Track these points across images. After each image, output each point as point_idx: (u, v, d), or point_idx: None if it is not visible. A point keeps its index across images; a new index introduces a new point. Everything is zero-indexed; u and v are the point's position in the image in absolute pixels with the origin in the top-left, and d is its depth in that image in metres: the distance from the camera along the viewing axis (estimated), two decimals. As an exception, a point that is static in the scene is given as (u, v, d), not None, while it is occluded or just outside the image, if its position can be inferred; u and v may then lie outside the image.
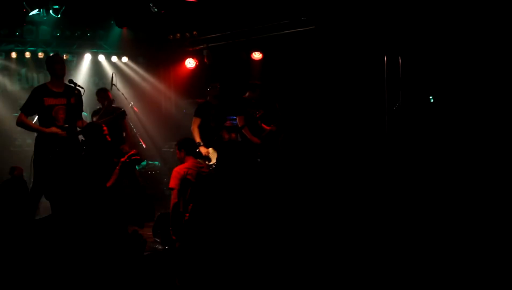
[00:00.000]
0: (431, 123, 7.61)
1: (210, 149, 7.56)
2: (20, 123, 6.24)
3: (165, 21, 9.85)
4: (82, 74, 10.37)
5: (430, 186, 6.91)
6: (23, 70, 10.13)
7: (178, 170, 5.90)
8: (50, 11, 8.90)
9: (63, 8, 8.87)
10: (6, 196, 4.13)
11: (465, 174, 6.81)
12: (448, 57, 7.47)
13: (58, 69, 6.28)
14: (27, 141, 9.04)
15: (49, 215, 5.37)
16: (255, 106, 7.93)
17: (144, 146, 8.75)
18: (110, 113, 7.48)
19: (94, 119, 7.61)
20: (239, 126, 7.81)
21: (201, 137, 7.65)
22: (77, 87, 6.47)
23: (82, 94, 6.41)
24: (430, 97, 7.76)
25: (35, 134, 7.22)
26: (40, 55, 9.87)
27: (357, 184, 7.39)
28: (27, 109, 6.24)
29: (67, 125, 6.24)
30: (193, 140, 6.74)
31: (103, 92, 7.85)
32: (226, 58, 10.35)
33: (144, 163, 9.13)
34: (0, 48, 9.59)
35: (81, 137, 6.36)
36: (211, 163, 7.50)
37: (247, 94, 8.11)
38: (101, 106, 7.82)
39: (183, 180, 5.80)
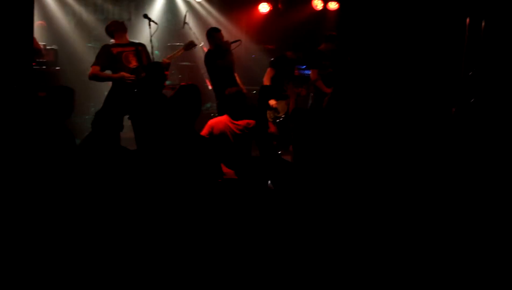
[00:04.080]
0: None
1: (280, 102, 7.49)
2: (93, 75, 6.47)
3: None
4: (155, 10, 10.37)
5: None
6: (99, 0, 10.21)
7: (209, 125, 5.84)
8: None
9: None
10: None
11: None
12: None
13: (123, 36, 6.66)
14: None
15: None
16: (330, 59, 7.73)
17: (210, 87, 8.74)
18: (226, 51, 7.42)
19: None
20: (312, 79, 7.67)
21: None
22: (151, 22, 6.73)
23: (155, 30, 6.81)
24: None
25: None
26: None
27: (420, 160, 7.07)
28: (98, 61, 6.46)
29: (136, 66, 6.45)
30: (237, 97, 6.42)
31: (215, 32, 7.55)
32: (301, 6, 10.12)
33: (208, 105, 9.16)
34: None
35: None
36: (279, 115, 7.48)
37: (323, 45, 7.93)
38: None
39: (211, 134, 5.74)
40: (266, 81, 7.53)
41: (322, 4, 9.73)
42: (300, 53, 7.75)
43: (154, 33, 6.90)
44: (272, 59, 7.89)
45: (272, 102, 7.39)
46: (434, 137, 7.18)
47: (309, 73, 7.93)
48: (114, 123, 4.64)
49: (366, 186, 5.38)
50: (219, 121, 5.86)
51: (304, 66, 8.66)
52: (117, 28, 6.68)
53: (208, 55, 7.46)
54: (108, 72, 6.52)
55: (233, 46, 7.59)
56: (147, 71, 6.17)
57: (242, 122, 5.88)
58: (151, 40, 6.77)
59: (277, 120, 7.45)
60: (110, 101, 6.42)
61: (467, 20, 7.72)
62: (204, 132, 5.76)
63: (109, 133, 4.57)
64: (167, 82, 7.25)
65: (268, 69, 7.62)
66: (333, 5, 9.74)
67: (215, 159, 5.07)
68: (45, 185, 4.17)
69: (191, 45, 7.30)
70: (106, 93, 6.77)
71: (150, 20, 6.95)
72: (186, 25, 9.25)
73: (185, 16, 9.31)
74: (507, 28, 7.35)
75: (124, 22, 6.94)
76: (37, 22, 8.41)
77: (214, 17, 10.73)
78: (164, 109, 5.63)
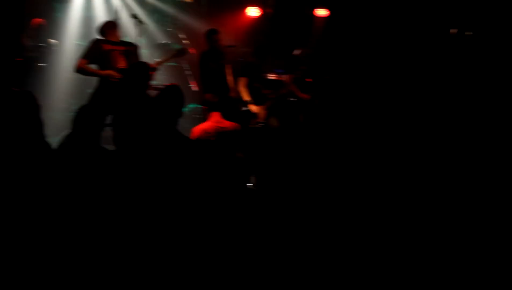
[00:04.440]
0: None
1: (259, 108, 7.52)
2: (80, 69, 6.40)
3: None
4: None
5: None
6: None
7: (195, 132, 5.82)
8: None
9: None
10: None
11: None
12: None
13: (115, 34, 6.65)
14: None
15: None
16: (305, 63, 7.77)
17: (195, 88, 8.71)
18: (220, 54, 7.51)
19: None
20: (288, 83, 7.72)
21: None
22: (139, 21, 6.71)
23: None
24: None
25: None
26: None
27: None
28: (86, 55, 6.41)
29: (123, 67, 6.43)
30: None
31: (214, 34, 7.65)
32: (290, 11, 10.14)
33: (192, 106, 9.15)
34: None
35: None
36: (258, 120, 7.50)
37: (298, 50, 8.01)
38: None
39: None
40: (241, 90, 7.56)
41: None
42: (267, 56, 7.80)
43: (141, 32, 6.90)
44: (240, 67, 7.92)
45: (254, 108, 7.43)
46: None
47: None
48: (96, 121, 4.61)
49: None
50: (206, 125, 5.90)
51: (282, 71, 8.73)
52: (109, 27, 6.68)
53: (202, 56, 7.46)
54: (93, 67, 6.46)
55: (228, 50, 7.63)
56: (132, 71, 6.17)
57: (228, 124, 5.96)
58: (132, 42, 6.76)
59: (257, 126, 7.51)
60: (95, 98, 6.39)
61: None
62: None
63: (90, 132, 4.54)
64: (153, 82, 7.22)
65: (240, 78, 7.63)
66: (321, 12, 9.78)
67: (200, 160, 5.07)
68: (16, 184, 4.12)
69: (182, 52, 7.27)
70: (89, 91, 6.75)
71: (138, 20, 6.93)
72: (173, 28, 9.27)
73: (172, 18, 9.31)
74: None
75: (115, 21, 6.91)
76: (37, 20, 8.34)
77: (202, 19, 10.68)
78: (146, 110, 5.63)
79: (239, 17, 10.63)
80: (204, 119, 6.17)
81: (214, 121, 5.96)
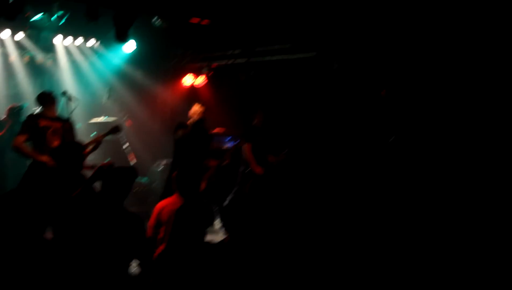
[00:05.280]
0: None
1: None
2: (16, 147, 6.21)
3: (167, 36, 9.68)
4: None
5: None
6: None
7: (156, 207, 5.35)
8: (54, 17, 8.74)
9: (67, 15, 8.73)
10: None
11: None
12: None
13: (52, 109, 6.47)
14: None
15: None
16: (263, 133, 7.61)
17: (134, 161, 8.59)
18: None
19: None
20: (247, 154, 7.50)
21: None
22: (71, 97, 6.60)
23: (75, 107, 6.73)
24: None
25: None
26: (40, 60, 9.84)
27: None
28: (23, 131, 6.23)
29: (57, 146, 6.23)
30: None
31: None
32: (226, 78, 10.26)
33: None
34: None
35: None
36: None
37: (256, 120, 7.76)
38: None
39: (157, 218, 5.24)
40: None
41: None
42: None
43: (73, 109, 6.78)
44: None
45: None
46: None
47: (232, 145, 7.97)
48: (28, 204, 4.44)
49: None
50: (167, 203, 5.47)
51: (228, 138, 8.68)
52: (49, 100, 6.47)
53: (183, 136, 7.27)
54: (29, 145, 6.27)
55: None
56: (65, 151, 6.03)
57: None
58: (68, 118, 6.62)
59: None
60: (27, 181, 6.15)
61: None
62: (152, 219, 5.23)
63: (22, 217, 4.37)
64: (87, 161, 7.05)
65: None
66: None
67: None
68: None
69: (116, 129, 7.07)
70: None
71: (68, 97, 6.80)
72: (108, 99, 9.20)
73: (109, 90, 9.26)
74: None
75: (54, 94, 6.66)
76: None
77: (139, 89, 10.63)
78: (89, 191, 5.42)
79: (175, 86, 10.67)
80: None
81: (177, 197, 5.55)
